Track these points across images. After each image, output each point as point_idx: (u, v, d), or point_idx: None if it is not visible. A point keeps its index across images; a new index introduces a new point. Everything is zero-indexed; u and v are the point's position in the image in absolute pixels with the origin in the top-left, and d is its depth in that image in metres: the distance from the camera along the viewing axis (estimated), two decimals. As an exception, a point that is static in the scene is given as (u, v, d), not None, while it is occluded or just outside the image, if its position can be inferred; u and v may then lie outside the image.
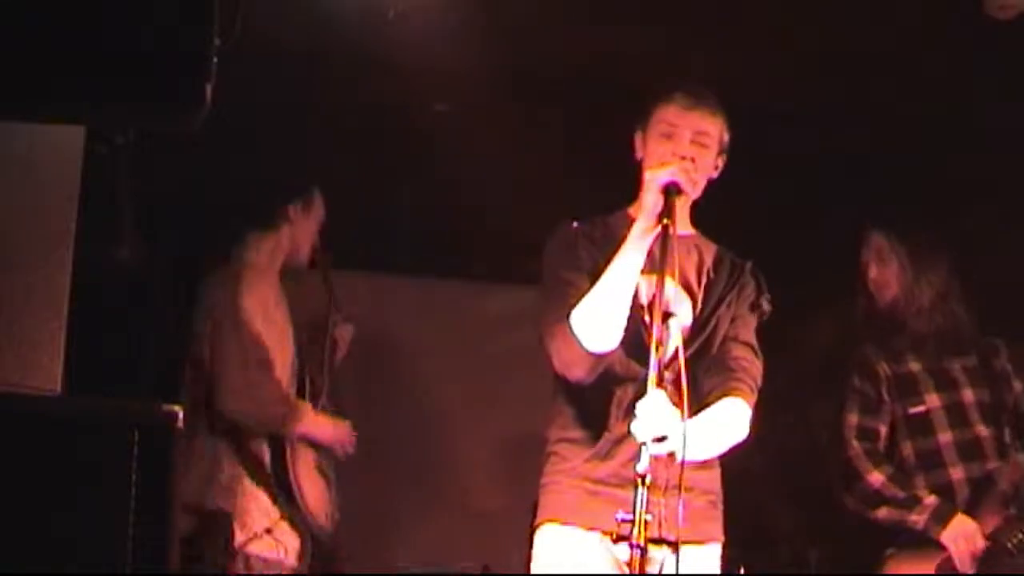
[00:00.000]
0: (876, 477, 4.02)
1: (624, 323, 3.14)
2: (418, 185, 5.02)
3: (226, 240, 4.21)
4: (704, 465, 3.20)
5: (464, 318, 5.48)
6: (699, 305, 3.30)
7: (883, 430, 4.12)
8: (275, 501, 3.94)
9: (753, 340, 3.36)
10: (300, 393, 4.09)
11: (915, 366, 4.14)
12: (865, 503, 4.04)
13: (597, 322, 3.12)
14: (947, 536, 3.89)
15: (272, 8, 3.70)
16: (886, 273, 4.23)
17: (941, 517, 3.90)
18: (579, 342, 3.12)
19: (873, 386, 4.14)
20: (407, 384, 5.41)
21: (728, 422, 3.23)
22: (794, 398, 5.46)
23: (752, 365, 3.32)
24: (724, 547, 3.34)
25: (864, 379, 4.17)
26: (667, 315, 3.16)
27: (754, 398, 3.28)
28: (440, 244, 5.17)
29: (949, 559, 3.90)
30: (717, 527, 3.32)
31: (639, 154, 3.40)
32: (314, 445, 4.07)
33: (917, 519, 3.93)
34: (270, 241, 4.15)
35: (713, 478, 3.33)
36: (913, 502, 3.95)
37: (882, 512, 4.00)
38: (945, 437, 4.04)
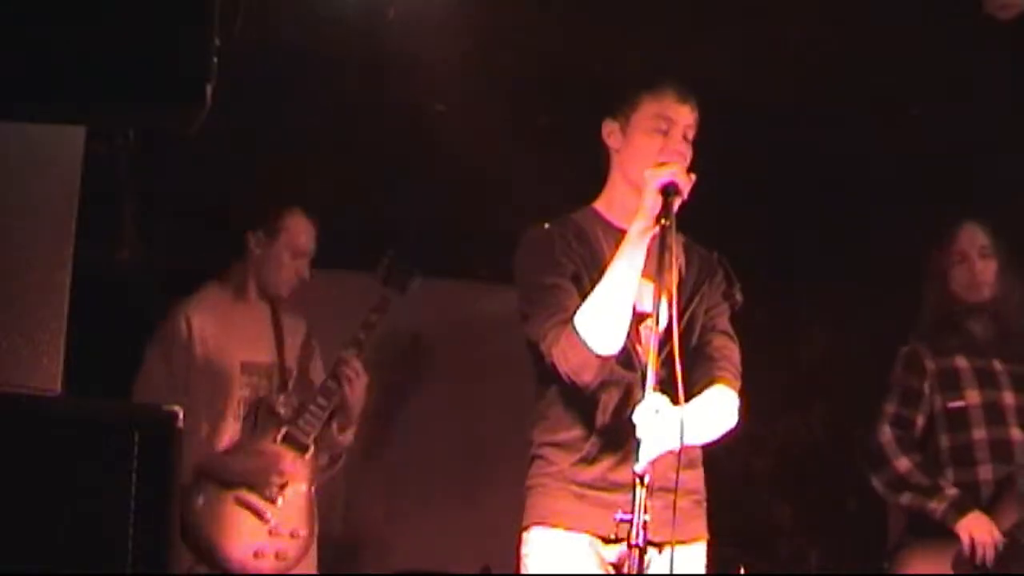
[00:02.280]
0: (903, 463, 4.10)
1: (628, 324, 3.15)
2: (418, 185, 5.01)
3: (224, 240, 4.22)
4: (688, 464, 3.21)
5: (464, 318, 5.48)
6: (675, 299, 3.31)
7: (919, 421, 4.18)
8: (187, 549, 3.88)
9: (729, 328, 3.41)
10: (253, 421, 4.05)
11: (962, 363, 4.18)
12: (890, 488, 4.13)
13: (603, 324, 3.12)
14: (963, 526, 3.95)
15: (272, 8, 3.70)
16: (987, 270, 4.21)
17: (960, 508, 3.97)
18: (586, 346, 3.12)
19: (917, 380, 4.20)
20: (407, 384, 5.41)
21: (719, 409, 3.27)
22: (794, 398, 5.47)
23: (733, 352, 3.37)
24: (709, 545, 3.37)
25: (909, 373, 4.22)
26: (644, 316, 3.18)
27: (738, 384, 3.33)
28: (440, 244, 5.17)
29: (962, 553, 3.94)
30: (702, 525, 3.36)
31: (613, 144, 3.38)
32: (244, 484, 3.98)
33: (936, 507, 4.00)
34: (234, 272, 4.16)
35: (697, 477, 3.36)
36: (935, 490, 4.02)
37: (905, 498, 4.10)
38: (980, 434, 4.08)
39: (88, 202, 2.79)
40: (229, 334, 4.10)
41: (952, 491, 4.01)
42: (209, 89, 1.90)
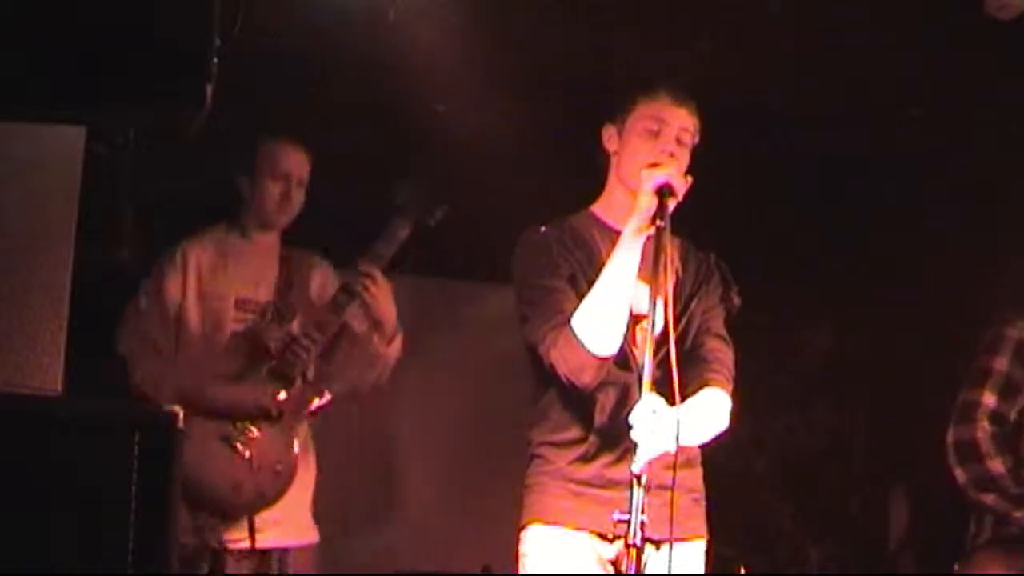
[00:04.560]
0: (997, 465, 3.93)
1: (625, 325, 3.16)
2: (418, 185, 5.01)
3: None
4: (686, 463, 3.22)
5: (464, 318, 5.48)
6: (672, 301, 3.31)
7: (1014, 416, 4.00)
8: None
9: (724, 331, 3.41)
10: (252, 353, 4.03)
11: None
12: (976, 485, 3.94)
13: (601, 325, 3.13)
14: None
15: (272, 8, 3.70)
16: None
17: None
18: (584, 347, 3.13)
19: (1020, 369, 4.00)
20: (407, 384, 5.41)
21: (712, 411, 3.27)
22: (794, 398, 5.47)
23: (726, 356, 3.38)
24: (709, 544, 3.37)
25: (1015, 361, 4.00)
26: (640, 318, 3.19)
27: (731, 387, 3.34)
28: (440, 244, 5.17)
29: None
30: (701, 524, 3.37)
31: (611, 147, 3.39)
32: (226, 416, 3.94)
33: (1020, 516, 3.87)
34: (235, 215, 4.17)
35: (695, 476, 3.38)
36: (1022, 500, 3.88)
37: (990, 498, 3.92)
38: None
39: (88, 202, 2.79)
40: (226, 270, 4.11)
41: None
42: (209, 89, 1.91)
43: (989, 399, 4.00)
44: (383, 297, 4.04)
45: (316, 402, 4.13)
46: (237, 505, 3.89)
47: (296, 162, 4.14)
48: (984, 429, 3.97)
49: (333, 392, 4.18)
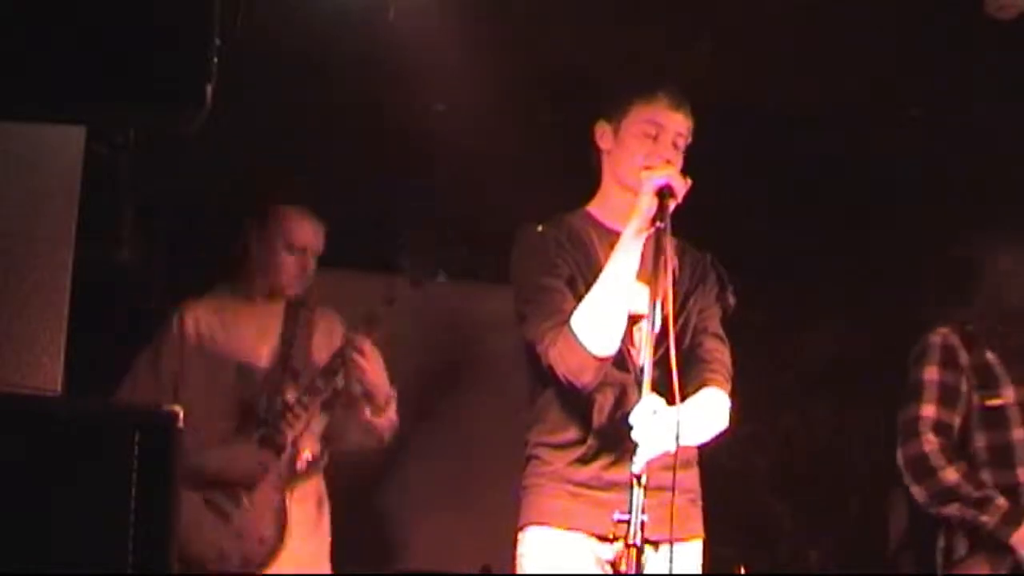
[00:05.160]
0: (951, 475, 3.91)
1: (624, 326, 3.16)
2: (418, 185, 5.02)
3: (224, 240, 4.21)
4: (684, 464, 3.22)
5: (464, 318, 5.47)
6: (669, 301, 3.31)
7: (958, 422, 3.98)
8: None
9: (720, 330, 3.42)
10: (245, 420, 4.00)
11: (991, 356, 4.02)
12: (936, 499, 3.93)
13: (601, 326, 3.13)
14: (1017, 539, 3.80)
15: (272, 8, 3.70)
16: None
17: (1011, 520, 3.83)
18: (584, 347, 3.13)
19: (954, 376, 4.00)
20: (406, 384, 5.41)
21: (712, 411, 3.28)
22: (794, 398, 5.47)
23: (724, 355, 3.39)
24: (706, 544, 3.37)
25: (946, 368, 4.01)
26: (638, 318, 3.19)
27: (729, 386, 3.35)
28: (440, 244, 5.17)
29: (1017, 564, 3.82)
30: (698, 524, 3.38)
31: (604, 146, 3.39)
32: (214, 483, 3.92)
33: (988, 520, 3.84)
34: (243, 272, 4.12)
35: (693, 476, 3.39)
36: (986, 503, 3.85)
37: (952, 509, 3.90)
38: (1020, 433, 3.94)
39: (88, 202, 2.79)
40: (229, 336, 4.06)
41: (1002, 501, 3.84)
42: (209, 89, 1.91)
43: (929, 411, 3.99)
44: (372, 368, 3.99)
45: (303, 460, 4.06)
46: (223, 572, 3.87)
47: (314, 234, 4.11)
48: (931, 442, 3.96)
49: (335, 452, 4.15)
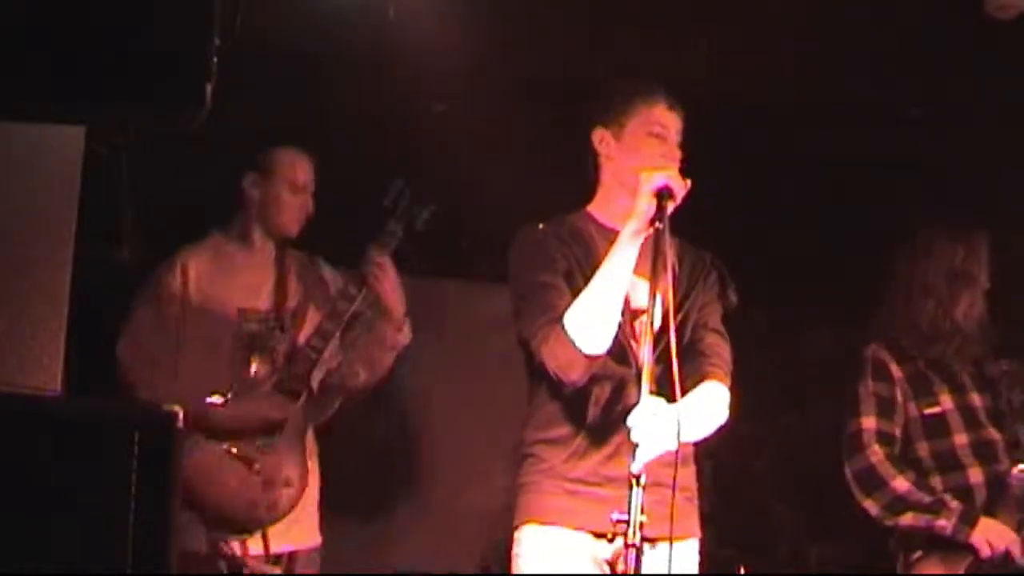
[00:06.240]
0: (901, 483, 3.94)
1: (617, 325, 3.16)
2: (418, 185, 5.01)
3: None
4: (681, 462, 3.22)
5: (464, 318, 5.47)
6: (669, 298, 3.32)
7: (898, 432, 4.03)
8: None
9: (720, 326, 3.44)
10: (256, 373, 4.00)
11: (922, 365, 4.07)
12: (889, 510, 3.96)
13: (592, 324, 3.14)
14: (977, 538, 3.82)
15: (272, 8, 3.70)
16: (984, 280, 4.11)
17: (968, 520, 3.85)
18: (574, 344, 3.14)
19: (888, 388, 4.06)
20: (406, 384, 5.41)
21: (711, 405, 3.29)
22: (794, 398, 5.47)
23: (724, 350, 3.40)
24: (701, 543, 3.37)
25: (879, 380, 4.07)
26: (639, 312, 3.20)
27: (729, 380, 3.36)
28: (440, 244, 5.17)
29: (976, 562, 3.85)
30: (694, 523, 3.38)
31: (604, 151, 3.40)
32: (235, 433, 3.90)
33: (945, 524, 3.86)
34: (236, 219, 4.13)
35: (689, 474, 3.38)
36: (939, 507, 3.88)
37: (907, 518, 3.92)
38: (961, 439, 3.98)
39: (88, 202, 2.80)
40: (227, 280, 4.07)
41: (955, 504, 3.87)
42: (209, 89, 1.91)
43: (870, 423, 4.04)
44: (391, 285, 4.02)
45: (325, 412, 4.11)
46: (252, 520, 3.88)
47: (309, 172, 4.14)
48: (876, 453, 4.00)
49: (347, 386, 4.15)
